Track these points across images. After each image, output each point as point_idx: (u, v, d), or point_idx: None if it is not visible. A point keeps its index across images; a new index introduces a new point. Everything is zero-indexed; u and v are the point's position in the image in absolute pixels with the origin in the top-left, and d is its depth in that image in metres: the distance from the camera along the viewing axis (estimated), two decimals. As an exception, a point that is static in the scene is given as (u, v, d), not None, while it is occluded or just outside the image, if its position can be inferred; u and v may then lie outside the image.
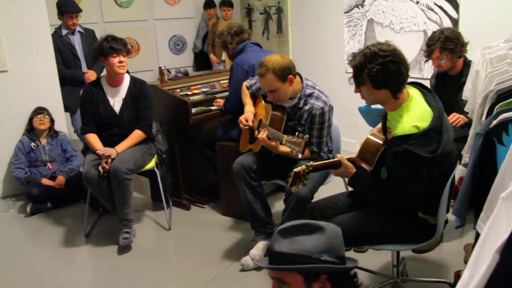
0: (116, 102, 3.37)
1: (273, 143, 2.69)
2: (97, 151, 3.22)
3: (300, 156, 2.47)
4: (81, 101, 3.42)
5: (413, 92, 2.11)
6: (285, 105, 2.89)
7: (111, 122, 3.35)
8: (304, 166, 2.10)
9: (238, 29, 3.55)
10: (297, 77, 2.82)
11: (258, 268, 2.90)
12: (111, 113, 3.35)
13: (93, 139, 3.32)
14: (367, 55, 1.97)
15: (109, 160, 3.16)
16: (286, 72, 2.69)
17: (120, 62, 3.24)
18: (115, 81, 3.37)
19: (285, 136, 2.54)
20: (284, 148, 2.67)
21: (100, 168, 3.13)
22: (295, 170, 2.09)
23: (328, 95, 2.90)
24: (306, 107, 2.81)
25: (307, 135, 2.53)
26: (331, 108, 2.85)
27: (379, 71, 1.94)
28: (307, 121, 2.82)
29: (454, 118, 3.14)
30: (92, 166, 3.17)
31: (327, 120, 2.82)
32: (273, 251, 1.39)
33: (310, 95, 2.83)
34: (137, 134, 3.36)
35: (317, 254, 1.35)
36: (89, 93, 3.35)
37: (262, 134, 2.70)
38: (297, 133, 2.51)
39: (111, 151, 3.20)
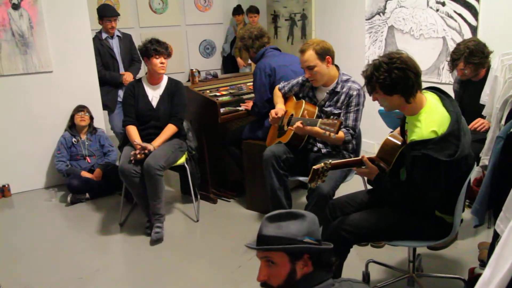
0: (154, 97, 3.46)
1: (308, 128, 2.69)
2: (136, 145, 3.25)
3: (334, 136, 2.46)
4: (124, 96, 3.52)
5: (430, 97, 2.07)
6: (319, 96, 2.94)
7: (148, 115, 3.42)
8: (322, 164, 2.08)
9: (259, 33, 3.53)
10: (335, 67, 2.90)
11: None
12: (149, 107, 3.42)
13: (133, 131, 3.38)
14: (376, 64, 1.98)
15: (146, 151, 3.19)
16: (325, 53, 2.79)
17: (162, 63, 3.34)
18: (155, 80, 3.46)
19: (320, 119, 2.55)
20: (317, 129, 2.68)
21: (132, 153, 3.16)
22: (314, 167, 2.08)
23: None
24: (344, 89, 2.85)
25: (342, 117, 2.57)
26: (364, 95, 2.86)
27: (386, 77, 1.94)
28: (344, 103, 2.84)
29: (479, 123, 3.04)
30: (128, 160, 3.20)
31: (362, 103, 2.85)
32: (262, 235, 1.48)
33: (347, 80, 2.89)
34: (170, 128, 3.41)
35: (301, 237, 1.45)
36: (132, 89, 3.46)
37: (299, 124, 2.71)
38: (331, 116, 2.51)
39: (149, 146, 3.24)
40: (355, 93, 2.81)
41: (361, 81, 2.19)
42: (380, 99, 2.06)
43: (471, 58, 2.98)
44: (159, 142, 3.32)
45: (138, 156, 3.16)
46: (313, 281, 1.45)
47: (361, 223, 2.13)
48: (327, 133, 2.46)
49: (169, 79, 3.53)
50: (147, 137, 3.37)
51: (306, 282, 1.45)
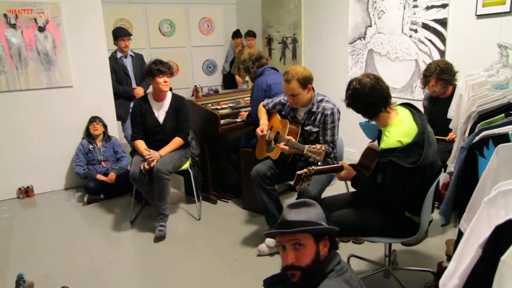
0: (160, 114, 3.41)
1: (295, 150, 2.68)
2: (144, 155, 3.25)
3: (320, 164, 2.44)
4: (131, 114, 3.47)
5: (402, 111, 2.10)
6: (299, 115, 2.92)
7: (156, 130, 3.38)
8: (306, 170, 2.09)
9: (258, 56, 3.57)
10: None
11: (272, 254, 2.89)
12: (156, 123, 3.38)
13: (141, 145, 3.35)
14: (348, 91, 2.12)
15: (152, 163, 3.18)
16: (307, 82, 2.76)
17: (165, 82, 3.29)
18: (159, 97, 3.40)
19: (306, 146, 2.46)
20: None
21: (141, 166, 3.16)
22: (297, 172, 2.09)
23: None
24: (319, 109, 2.84)
25: (327, 145, 2.56)
26: (339, 111, 2.86)
27: (352, 104, 2.09)
28: (321, 122, 2.83)
29: (454, 136, 3.08)
30: (138, 168, 3.19)
31: (336, 119, 2.84)
32: (288, 221, 1.47)
33: (321, 100, 2.87)
34: (177, 141, 3.39)
35: (320, 221, 1.48)
36: (139, 107, 3.39)
37: (284, 146, 2.71)
38: (317, 144, 2.47)
39: (156, 155, 3.23)
40: (329, 112, 2.80)
41: (342, 96, 2.22)
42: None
43: (442, 75, 3.02)
44: (165, 151, 3.31)
45: (147, 166, 3.16)
46: (333, 261, 1.45)
47: (343, 220, 2.14)
48: (315, 160, 2.36)
49: (173, 95, 3.48)
50: (156, 149, 3.34)
51: (328, 263, 1.44)
